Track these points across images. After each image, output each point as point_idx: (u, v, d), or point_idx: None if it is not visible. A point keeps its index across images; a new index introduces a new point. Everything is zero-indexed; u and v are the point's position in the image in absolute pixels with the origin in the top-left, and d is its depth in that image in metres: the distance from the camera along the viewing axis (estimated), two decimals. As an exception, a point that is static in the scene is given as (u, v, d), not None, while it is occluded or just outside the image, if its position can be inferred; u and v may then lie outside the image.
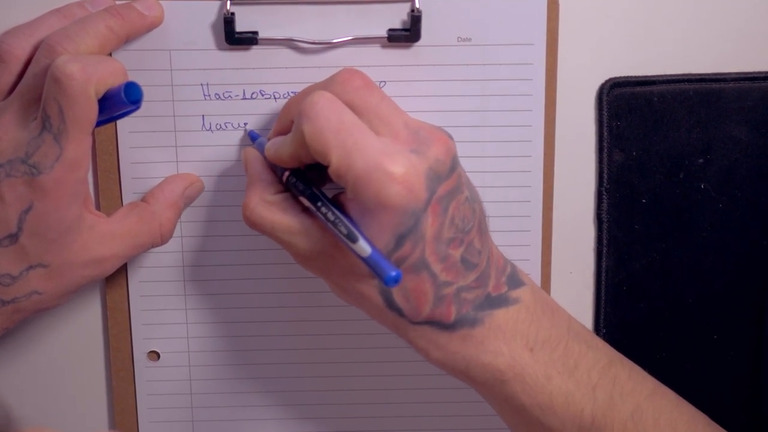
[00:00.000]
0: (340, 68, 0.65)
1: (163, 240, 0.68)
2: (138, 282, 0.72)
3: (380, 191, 0.57)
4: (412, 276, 0.59)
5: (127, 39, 0.65)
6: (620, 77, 0.70)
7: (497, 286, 0.62)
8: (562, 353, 0.62)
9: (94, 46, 0.62)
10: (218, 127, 0.69)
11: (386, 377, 0.74)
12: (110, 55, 0.65)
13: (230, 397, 0.74)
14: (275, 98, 0.68)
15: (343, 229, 0.58)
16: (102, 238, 0.64)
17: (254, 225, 0.62)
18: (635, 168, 0.71)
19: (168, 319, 0.72)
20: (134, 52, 0.67)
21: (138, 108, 0.61)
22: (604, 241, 0.72)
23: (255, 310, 0.73)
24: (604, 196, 0.72)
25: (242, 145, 0.69)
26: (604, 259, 0.73)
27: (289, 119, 0.63)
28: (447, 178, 0.59)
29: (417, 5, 0.66)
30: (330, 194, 0.61)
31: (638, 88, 0.70)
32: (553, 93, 0.69)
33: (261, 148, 0.64)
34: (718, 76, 0.70)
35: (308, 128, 0.58)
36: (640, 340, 0.74)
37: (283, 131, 0.64)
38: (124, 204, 0.69)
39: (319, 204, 0.59)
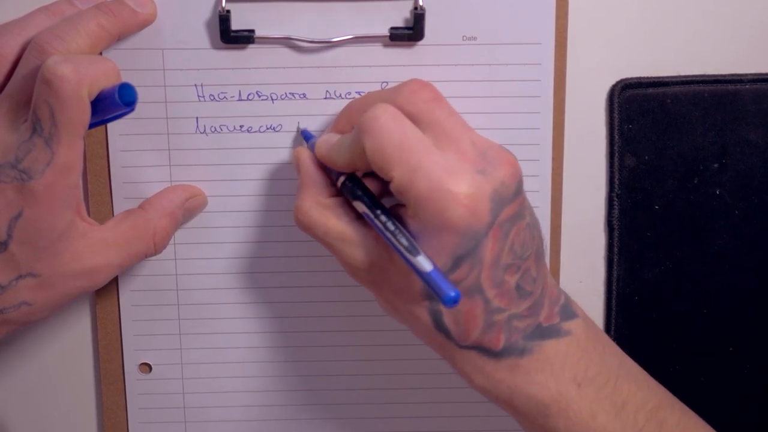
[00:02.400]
0: (340, 68, 0.67)
1: (157, 249, 0.67)
2: (129, 291, 0.71)
3: (443, 211, 0.56)
4: (465, 299, 0.59)
5: (119, 37, 0.64)
6: (632, 78, 0.70)
7: (549, 317, 0.62)
8: (611, 392, 0.62)
9: (85, 45, 0.61)
10: (213, 129, 0.68)
11: (390, 390, 0.73)
12: (101, 54, 0.65)
13: (225, 411, 0.73)
14: (272, 99, 0.68)
15: (403, 240, 0.57)
16: (94, 247, 0.63)
17: (306, 228, 0.62)
18: (647, 173, 0.71)
19: (160, 329, 0.72)
20: (125, 51, 0.66)
21: (132, 110, 0.60)
22: (615, 249, 0.72)
23: (250, 320, 0.72)
24: (615, 202, 0.71)
25: (241, 147, 0.68)
26: (615, 267, 0.73)
27: (349, 124, 0.63)
28: (511, 202, 0.58)
29: (420, 2, 0.66)
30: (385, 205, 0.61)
31: (651, 90, 0.70)
32: (562, 94, 0.69)
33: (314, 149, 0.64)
34: (735, 78, 0.70)
35: (370, 144, 0.57)
36: (651, 351, 0.74)
37: (341, 132, 0.63)
38: (114, 209, 0.69)
39: (378, 212, 0.59)
